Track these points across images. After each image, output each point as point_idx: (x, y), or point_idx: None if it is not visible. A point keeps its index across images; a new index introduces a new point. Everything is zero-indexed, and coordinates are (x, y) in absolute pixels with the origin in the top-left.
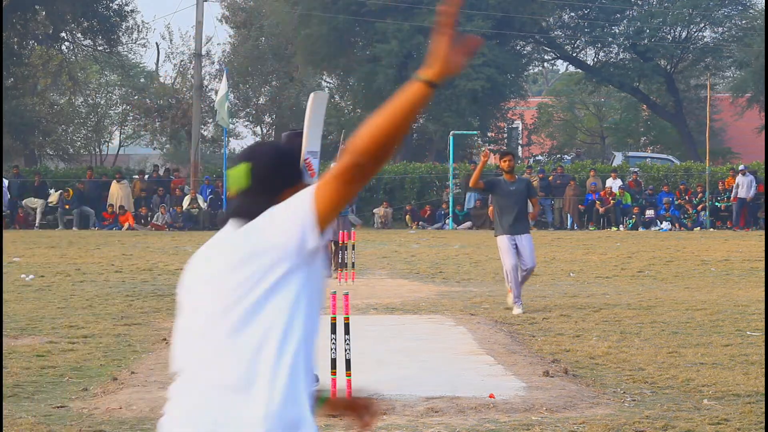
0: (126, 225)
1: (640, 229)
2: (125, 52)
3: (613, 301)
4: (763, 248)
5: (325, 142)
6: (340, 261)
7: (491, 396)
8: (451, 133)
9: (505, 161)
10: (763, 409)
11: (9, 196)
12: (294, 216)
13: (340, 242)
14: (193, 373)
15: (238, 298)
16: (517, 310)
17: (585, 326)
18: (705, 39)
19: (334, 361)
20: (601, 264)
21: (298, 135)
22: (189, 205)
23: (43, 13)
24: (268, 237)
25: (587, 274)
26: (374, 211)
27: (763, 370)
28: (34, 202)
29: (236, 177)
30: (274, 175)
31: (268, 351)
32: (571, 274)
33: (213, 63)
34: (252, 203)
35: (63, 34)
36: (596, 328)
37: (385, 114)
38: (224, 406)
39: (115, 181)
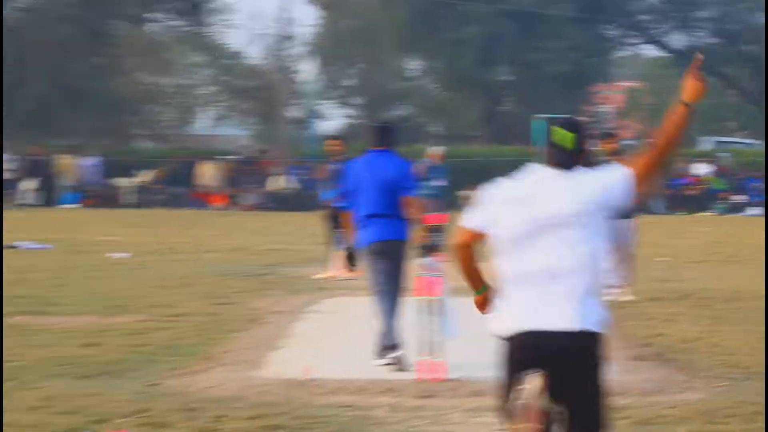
0: (217, 205)
1: (730, 214)
2: (211, 33)
3: (704, 286)
4: None
5: (413, 124)
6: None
7: None
8: (537, 116)
9: (607, 143)
10: None
11: (99, 175)
12: (623, 185)
13: (434, 224)
14: (538, 273)
15: (579, 226)
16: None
17: (676, 310)
18: None
19: (429, 343)
20: (691, 249)
21: (387, 128)
22: (278, 185)
23: None
24: (601, 192)
25: (678, 258)
26: (461, 194)
27: None
28: (124, 182)
29: (565, 140)
30: (583, 145)
31: (593, 268)
32: (663, 259)
33: (300, 45)
34: (572, 161)
35: (150, 15)
36: (687, 312)
37: (668, 125)
38: (564, 301)
39: (205, 161)
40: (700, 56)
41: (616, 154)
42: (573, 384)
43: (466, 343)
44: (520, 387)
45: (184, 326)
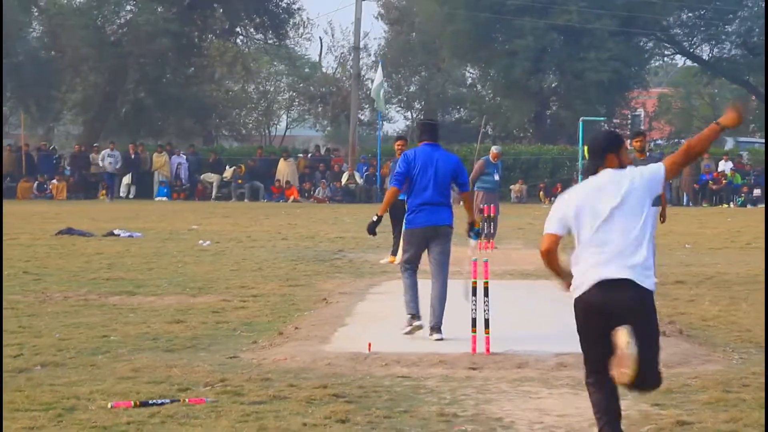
0: (291, 198)
1: (749, 206)
2: (292, 45)
3: (723, 270)
4: None
5: (468, 125)
6: (486, 231)
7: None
8: (581, 118)
9: (637, 141)
10: None
11: (188, 171)
12: (659, 178)
13: (486, 215)
14: (603, 247)
15: (632, 212)
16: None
17: (698, 292)
18: None
19: (474, 321)
20: (713, 237)
21: (430, 123)
22: (347, 180)
23: (221, 10)
24: (643, 184)
25: (701, 245)
26: (511, 187)
27: None
28: (211, 177)
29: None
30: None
31: (646, 240)
32: (687, 246)
33: (369, 55)
34: (595, 165)
35: (237, 29)
36: (708, 293)
37: (702, 136)
38: (625, 264)
39: (282, 158)
40: (749, 103)
41: (643, 151)
42: (638, 324)
43: (512, 321)
44: (613, 341)
45: (259, 305)
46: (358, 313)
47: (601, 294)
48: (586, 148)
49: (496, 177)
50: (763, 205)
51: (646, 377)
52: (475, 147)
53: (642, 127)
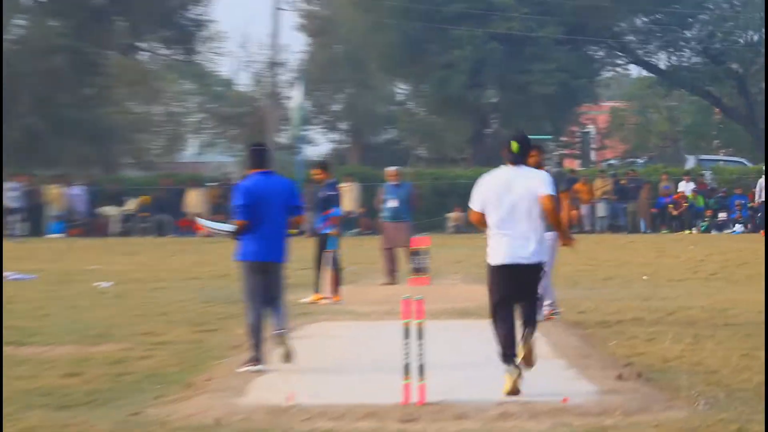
0: (202, 232)
1: (713, 232)
2: (202, 61)
3: (686, 304)
4: None
5: (400, 147)
6: (414, 266)
7: (565, 400)
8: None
9: (533, 156)
10: None
11: (85, 204)
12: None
13: (413, 247)
14: (507, 230)
15: (529, 201)
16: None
17: (658, 329)
18: None
19: (407, 367)
20: (674, 267)
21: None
22: None
23: (122, 23)
24: (536, 184)
25: (660, 277)
26: (447, 215)
27: None
28: (112, 210)
29: (515, 148)
30: (524, 151)
31: (537, 224)
32: (645, 278)
33: (289, 71)
34: (520, 160)
35: (141, 44)
36: (669, 330)
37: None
38: (523, 245)
39: (191, 188)
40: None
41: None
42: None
43: (449, 366)
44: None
45: (166, 354)
46: (275, 362)
47: (508, 269)
48: (517, 144)
49: (392, 203)
50: (731, 231)
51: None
52: (406, 171)
53: (593, 146)
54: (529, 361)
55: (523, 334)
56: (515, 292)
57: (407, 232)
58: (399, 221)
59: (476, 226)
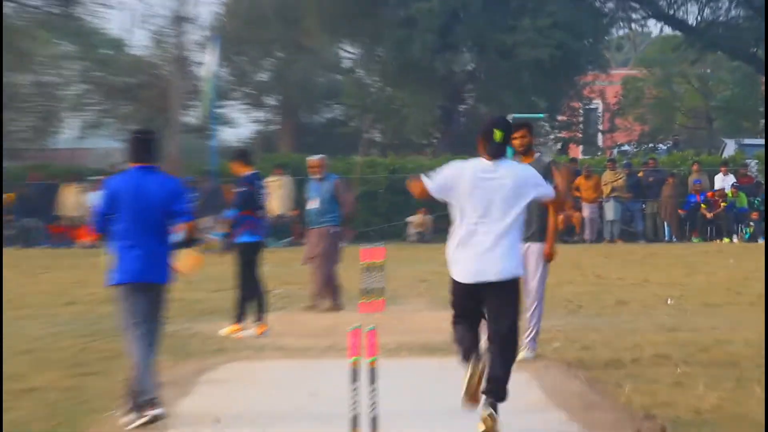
0: (82, 241)
1: (760, 241)
2: (84, 15)
3: (725, 337)
4: None
5: (348, 129)
6: (365, 287)
7: None
8: (510, 116)
9: (516, 138)
10: None
11: None
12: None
13: (366, 262)
14: (475, 237)
15: (511, 203)
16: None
17: (688, 371)
18: None
19: (355, 418)
20: (709, 287)
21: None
22: None
23: None
24: (528, 181)
25: (691, 300)
26: (408, 219)
27: None
28: None
29: (498, 137)
30: (508, 140)
31: (514, 232)
32: (670, 301)
33: (199, 29)
34: (503, 153)
35: None
36: (703, 373)
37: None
38: (491, 258)
39: (67, 184)
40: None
41: (526, 154)
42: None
43: (409, 417)
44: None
45: (33, 405)
46: (181, 414)
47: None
48: (501, 133)
49: (313, 203)
50: None
51: None
52: (355, 161)
53: (600, 127)
54: (476, 392)
55: (490, 362)
56: (482, 315)
57: (330, 239)
58: (320, 226)
59: (414, 195)
